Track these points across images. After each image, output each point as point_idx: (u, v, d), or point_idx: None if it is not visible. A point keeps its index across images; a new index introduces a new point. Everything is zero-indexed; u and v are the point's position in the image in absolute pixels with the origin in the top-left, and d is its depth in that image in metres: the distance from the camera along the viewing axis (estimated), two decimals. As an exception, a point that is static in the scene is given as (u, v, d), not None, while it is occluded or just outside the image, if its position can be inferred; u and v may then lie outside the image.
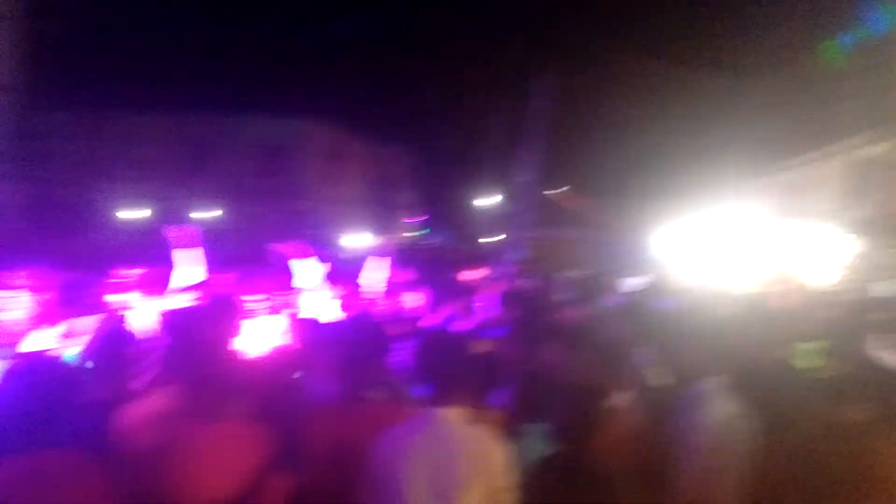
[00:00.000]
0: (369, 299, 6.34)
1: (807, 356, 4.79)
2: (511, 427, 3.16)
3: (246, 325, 4.46)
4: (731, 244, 14.99)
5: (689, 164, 23.32)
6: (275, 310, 4.74)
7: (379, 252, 8.05)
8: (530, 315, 6.06)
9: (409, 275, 9.57)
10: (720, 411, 3.53)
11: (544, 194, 20.95)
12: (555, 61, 18.25)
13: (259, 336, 4.33)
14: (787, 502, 1.48)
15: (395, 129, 35.78)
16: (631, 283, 10.55)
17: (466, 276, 10.20)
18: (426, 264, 15.06)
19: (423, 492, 2.55)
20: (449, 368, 2.75)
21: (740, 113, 20.95)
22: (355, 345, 2.94)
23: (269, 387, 2.93)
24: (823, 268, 14.19)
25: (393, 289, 7.13)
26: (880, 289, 9.74)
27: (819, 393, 3.64)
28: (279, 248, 6.85)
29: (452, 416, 2.71)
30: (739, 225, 15.54)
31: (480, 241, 28.53)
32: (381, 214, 32.86)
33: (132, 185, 25.06)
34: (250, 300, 4.81)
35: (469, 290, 8.10)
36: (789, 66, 17.90)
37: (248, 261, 6.95)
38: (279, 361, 3.80)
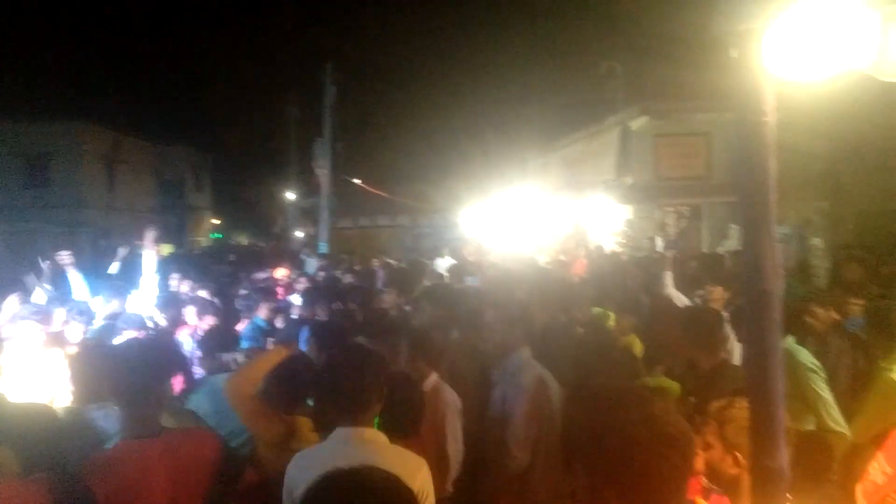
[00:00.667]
0: (162, 312, 5.79)
1: (603, 317, 5.15)
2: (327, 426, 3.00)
3: (7, 358, 3.86)
4: (523, 219, 15.94)
5: (479, 148, 24.43)
6: (46, 336, 4.11)
7: (171, 260, 7.44)
8: (342, 307, 5.95)
9: (209, 280, 8.99)
10: (529, 380, 3.67)
11: (347, 185, 20.83)
12: (344, 55, 18.11)
13: (25, 370, 3.76)
14: (592, 463, 1.51)
15: (181, 130, 33.63)
16: (439, 265, 10.81)
17: (274, 274, 9.81)
18: (229, 266, 14.28)
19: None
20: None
21: (521, 97, 22.27)
22: (145, 367, 2.56)
23: (42, 430, 2.50)
24: (608, 233, 15.56)
25: (191, 298, 6.61)
26: (658, 245, 10.90)
27: (617, 354, 3.91)
28: (50, 264, 6.07)
29: (368, 435, 2.47)
30: (529, 200, 16.54)
31: (285, 236, 27.75)
32: (172, 219, 30.66)
33: None
34: (14, 326, 4.14)
35: (278, 289, 7.79)
36: (562, 52, 19.31)
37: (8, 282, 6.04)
38: (53, 397, 3.32)
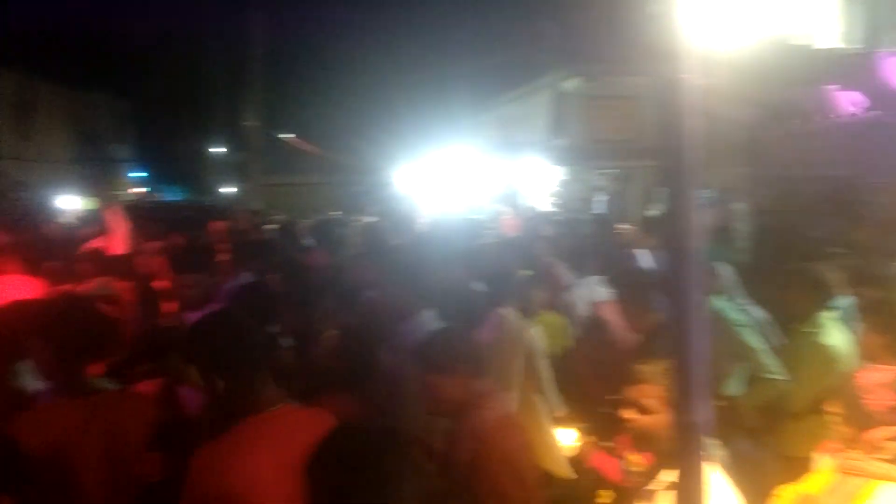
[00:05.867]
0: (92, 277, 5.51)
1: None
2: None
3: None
4: (458, 178, 15.95)
5: (413, 107, 24.09)
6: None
7: (100, 218, 7.03)
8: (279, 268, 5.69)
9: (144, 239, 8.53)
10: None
11: (276, 140, 20.21)
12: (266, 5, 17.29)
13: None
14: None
15: (101, 75, 31.86)
16: (368, 222, 10.70)
17: (208, 233, 9.32)
18: (158, 225, 13.63)
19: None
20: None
21: (455, 55, 22.01)
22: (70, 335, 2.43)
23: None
24: (541, 193, 15.76)
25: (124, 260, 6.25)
26: (597, 207, 11.13)
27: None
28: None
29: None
30: (463, 160, 16.56)
31: (214, 192, 26.89)
32: (91, 170, 29.13)
33: None
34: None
35: (214, 247, 7.47)
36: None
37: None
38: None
